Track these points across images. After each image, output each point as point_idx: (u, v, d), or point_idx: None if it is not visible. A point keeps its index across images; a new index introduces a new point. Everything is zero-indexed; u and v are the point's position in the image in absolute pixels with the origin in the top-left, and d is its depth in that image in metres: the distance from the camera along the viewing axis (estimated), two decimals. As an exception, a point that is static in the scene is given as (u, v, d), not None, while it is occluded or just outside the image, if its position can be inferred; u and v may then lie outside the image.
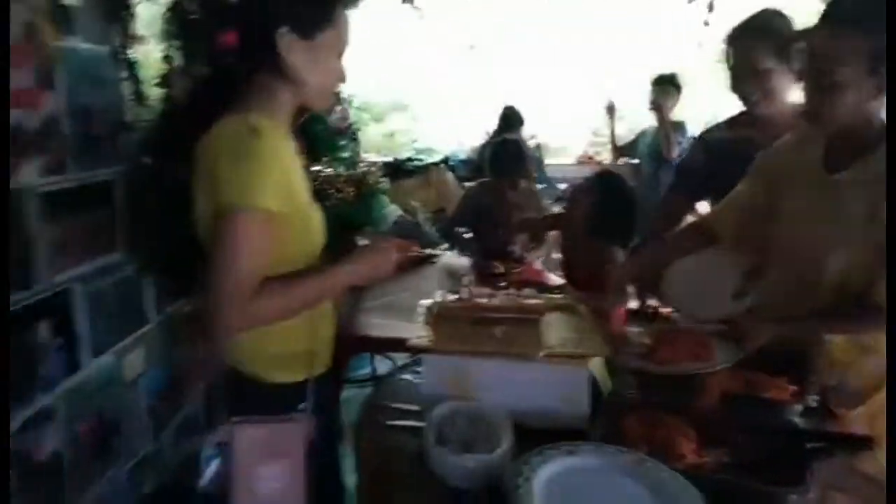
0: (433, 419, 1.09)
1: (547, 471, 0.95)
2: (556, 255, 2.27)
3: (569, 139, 6.76)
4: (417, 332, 1.58)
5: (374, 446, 1.21)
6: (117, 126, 1.76)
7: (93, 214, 1.68)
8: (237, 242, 0.95)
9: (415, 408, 1.24)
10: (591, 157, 5.83)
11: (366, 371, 3.09)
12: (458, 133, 6.75)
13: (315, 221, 1.14)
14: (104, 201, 1.73)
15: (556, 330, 1.41)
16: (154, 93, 1.84)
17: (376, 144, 5.81)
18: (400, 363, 1.71)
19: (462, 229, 2.68)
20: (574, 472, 0.96)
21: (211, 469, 2.13)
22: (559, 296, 1.75)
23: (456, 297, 1.57)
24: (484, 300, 1.52)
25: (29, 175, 1.45)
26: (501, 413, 1.10)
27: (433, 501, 1.02)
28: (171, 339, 1.98)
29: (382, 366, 2.96)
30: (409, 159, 5.11)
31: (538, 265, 2.16)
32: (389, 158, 4.86)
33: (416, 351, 1.39)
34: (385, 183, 2.15)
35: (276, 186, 0.99)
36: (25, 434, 1.42)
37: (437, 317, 1.43)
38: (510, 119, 4.76)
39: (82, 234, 1.63)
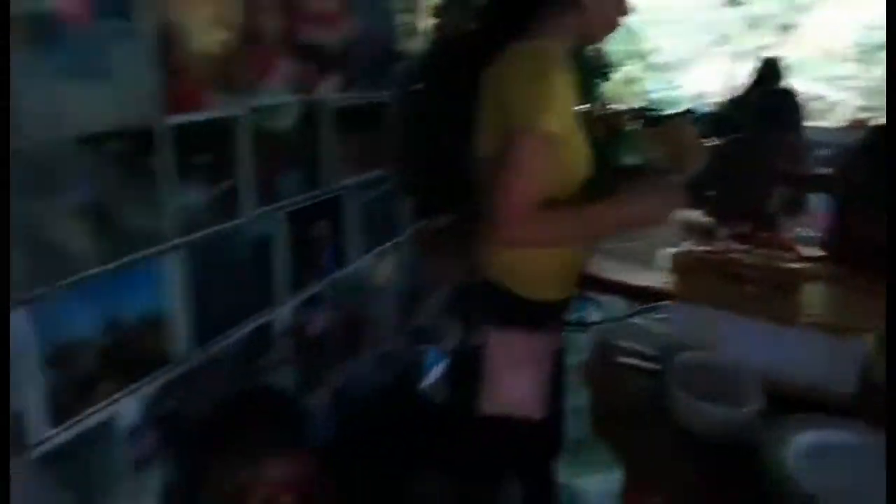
0: (679, 366, 1.08)
1: (805, 439, 0.90)
2: (805, 230, 2.04)
3: (834, 100, 5.95)
4: (655, 279, 1.56)
5: (606, 385, 1.23)
6: (395, 52, 1.93)
7: (368, 132, 1.88)
8: (526, 160, 1.00)
9: (652, 352, 1.24)
10: (861, 122, 5.05)
11: (580, 315, 3.10)
12: (699, 85, 6.26)
13: (584, 150, 1.15)
14: (378, 121, 1.92)
15: (820, 299, 1.29)
16: (427, 24, 1.97)
17: (614, 91, 5.62)
18: (616, 313, 1.72)
19: (707, 186, 2.50)
20: (833, 448, 0.89)
21: (434, 372, 2.35)
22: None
23: (705, 249, 1.50)
24: (738, 256, 1.44)
25: (327, 90, 1.66)
26: (750, 372, 1.05)
27: (667, 444, 1.03)
28: (419, 253, 2.18)
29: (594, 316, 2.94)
30: (647, 108, 4.87)
31: (791, 233, 1.96)
32: (627, 106, 4.67)
33: (663, 298, 1.37)
34: (632, 127, 2.09)
35: (561, 111, 1.03)
36: (302, 311, 1.68)
37: (685, 267, 1.38)
38: (770, 72, 4.26)
39: (358, 148, 1.84)
